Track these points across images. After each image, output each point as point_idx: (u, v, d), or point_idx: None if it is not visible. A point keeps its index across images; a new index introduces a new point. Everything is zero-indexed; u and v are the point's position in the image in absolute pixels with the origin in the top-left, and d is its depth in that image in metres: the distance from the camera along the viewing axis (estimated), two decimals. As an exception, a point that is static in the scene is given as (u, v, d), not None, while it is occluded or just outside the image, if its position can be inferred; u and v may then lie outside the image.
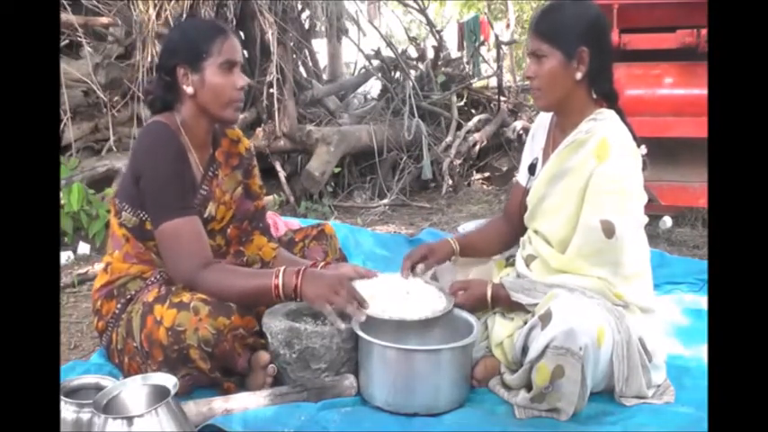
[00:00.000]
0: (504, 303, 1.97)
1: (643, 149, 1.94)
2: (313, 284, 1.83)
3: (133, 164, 1.94)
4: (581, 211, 1.87)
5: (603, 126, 1.89)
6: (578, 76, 1.89)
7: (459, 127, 5.75)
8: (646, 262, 1.96)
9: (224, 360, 1.83)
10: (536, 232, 2.02)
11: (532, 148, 2.14)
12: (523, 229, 2.14)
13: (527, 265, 2.02)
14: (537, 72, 1.91)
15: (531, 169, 2.09)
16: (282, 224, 2.99)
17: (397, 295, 1.97)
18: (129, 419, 1.42)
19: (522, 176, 2.17)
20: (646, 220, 1.95)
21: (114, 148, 3.83)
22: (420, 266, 2.09)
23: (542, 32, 1.89)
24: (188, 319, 1.75)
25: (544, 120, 2.12)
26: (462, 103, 6.34)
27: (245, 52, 4.78)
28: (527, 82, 8.36)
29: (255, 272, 2.01)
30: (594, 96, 1.96)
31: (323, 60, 6.92)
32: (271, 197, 4.35)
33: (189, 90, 1.91)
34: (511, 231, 2.21)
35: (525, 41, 11.42)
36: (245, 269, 2.01)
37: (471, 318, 1.97)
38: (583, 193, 1.88)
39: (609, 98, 1.95)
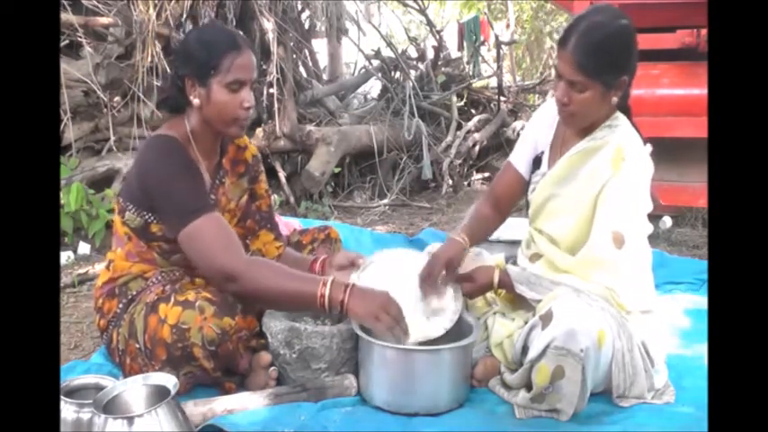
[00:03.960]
0: (509, 290, 1.97)
1: (648, 147, 1.93)
2: (362, 301, 1.78)
3: (141, 176, 1.89)
4: (593, 219, 1.86)
5: (619, 134, 1.88)
6: (614, 100, 1.85)
7: (459, 127, 5.75)
8: (648, 271, 1.96)
9: (227, 360, 1.83)
10: (540, 231, 2.01)
11: (536, 138, 2.09)
12: (508, 214, 2.17)
13: (532, 264, 2.01)
14: (572, 99, 1.83)
15: (537, 162, 2.07)
16: (283, 224, 2.98)
17: (417, 309, 1.97)
18: (129, 419, 1.42)
19: (518, 162, 2.12)
20: (651, 229, 1.95)
21: (114, 148, 3.82)
22: (442, 275, 2.00)
23: (583, 66, 1.77)
24: (193, 317, 1.74)
25: (551, 111, 2.01)
26: (462, 103, 6.34)
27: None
28: (527, 82, 8.27)
29: (302, 275, 1.93)
30: None
31: (323, 60, 6.91)
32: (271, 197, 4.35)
33: (195, 102, 1.88)
34: (497, 216, 2.19)
35: (525, 41, 11.43)
36: (292, 270, 1.92)
37: (471, 318, 1.97)
38: (595, 201, 1.86)
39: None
